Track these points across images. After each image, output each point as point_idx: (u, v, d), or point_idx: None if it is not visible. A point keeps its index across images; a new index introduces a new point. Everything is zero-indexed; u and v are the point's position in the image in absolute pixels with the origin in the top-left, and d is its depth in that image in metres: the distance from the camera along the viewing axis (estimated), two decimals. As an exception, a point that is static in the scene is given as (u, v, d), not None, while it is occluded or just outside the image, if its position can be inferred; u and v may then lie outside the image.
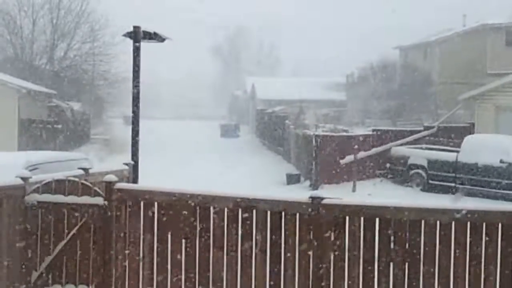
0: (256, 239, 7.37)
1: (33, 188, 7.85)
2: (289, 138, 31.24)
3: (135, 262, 7.66)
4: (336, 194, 9.32)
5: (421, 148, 25.16)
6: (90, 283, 7.70)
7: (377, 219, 7.09)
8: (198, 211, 7.54)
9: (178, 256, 7.55)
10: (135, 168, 11.67)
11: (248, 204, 7.39)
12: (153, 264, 7.63)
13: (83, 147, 35.00)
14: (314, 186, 23.14)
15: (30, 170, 9.05)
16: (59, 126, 33.12)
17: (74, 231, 7.74)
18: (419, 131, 27.76)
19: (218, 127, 48.98)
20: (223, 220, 7.46)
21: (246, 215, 7.40)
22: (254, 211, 7.38)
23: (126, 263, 7.67)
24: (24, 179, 7.86)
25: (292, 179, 25.13)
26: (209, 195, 7.60)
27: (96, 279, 7.68)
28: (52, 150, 25.81)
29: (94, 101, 46.93)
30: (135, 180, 11.36)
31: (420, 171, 23.70)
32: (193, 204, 7.55)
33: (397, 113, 41.16)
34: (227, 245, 7.45)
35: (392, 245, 7.04)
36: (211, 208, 7.51)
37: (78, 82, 44.54)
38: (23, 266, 7.76)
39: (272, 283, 7.31)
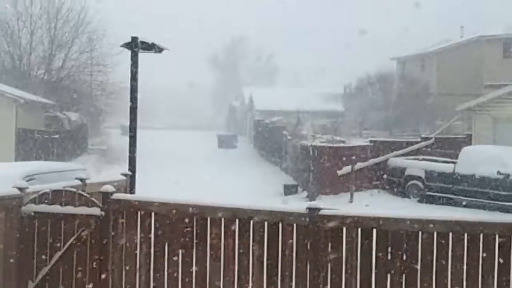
0: (253, 250, 7.36)
1: (30, 198, 7.84)
2: (286, 149, 31.26)
3: (131, 273, 7.63)
4: (334, 204, 9.32)
5: (418, 159, 25.17)
6: (87, 294, 7.68)
7: (374, 230, 7.09)
8: (195, 221, 7.53)
9: (175, 267, 7.53)
10: (132, 178, 11.67)
11: (245, 215, 7.38)
12: (149, 274, 7.61)
13: (80, 157, 34.98)
14: (312, 197, 23.13)
15: (27, 181, 9.04)
16: (56, 136, 33.10)
17: (70, 241, 7.71)
18: (417, 142, 27.80)
19: (216, 138, 48.97)
20: (220, 231, 7.45)
21: (243, 226, 7.40)
22: (251, 222, 7.37)
23: (123, 274, 7.65)
24: (21, 189, 7.84)
25: (289, 190, 25.13)
26: (206, 205, 7.59)
27: (93, 289, 7.66)
28: (50, 161, 25.80)
29: (92, 111, 46.98)
30: (132, 191, 11.35)
31: (417, 182, 23.70)
32: (190, 214, 7.54)
33: (395, 124, 41.21)
34: (224, 256, 7.43)
35: (389, 256, 7.04)
36: (208, 219, 7.50)
37: (76, 92, 44.53)
38: (20, 277, 7.73)
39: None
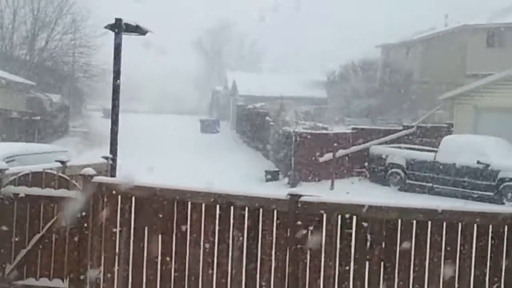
0: (233, 236, 7.36)
1: (10, 180, 7.79)
2: (269, 135, 31.26)
3: (111, 257, 7.61)
4: (315, 191, 9.31)
5: (400, 148, 25.29)
6: (65, 277, 7.65)
7: (354, 217, 7.11)
8: (175, 206, 7.52)
9: (154, 251, 7.52)
10: (113, 161, 11.63)
11: (226, 200, 7.38)
12: (129, 258, 7.60)
13: (61, 139, 34.78)
14: (293, 184, 23.19)
15: (7, 162, 8.97)
16: (38, 118, 32.88)
17: (50, 224, 7.68)
18: (398, 131, 27.91)
19: (199, 122, 48.86)
20: (200, 216, 7.44)
21: (223, 211, 7.39)
22: (232, 207, 7.37)
23: (102, 258, 7.63)
24: (0, 170, 7.78)
25: (271, 176, 25.16)
26: (186, 190, 7.57)
27: (71, 274, 7.63)
28: (30, 142, 25.60)
29: (74, 93, 46.70)
30: (113, 174, 11.32)
31: (398, 170, 23.82)
32: (170, 199, 7.52)
33: (377, 112, 41.31)
34: (203, 241, 7.43)
35: (368, 244, 7.07)
36: (189, 204, 7.49)
37: (58, 74, 44.23)
38: (-2, 259, 7.70)
39: (248, 280, 7.31)
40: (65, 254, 7.66)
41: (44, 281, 7.66)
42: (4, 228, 7.71)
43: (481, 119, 27.35)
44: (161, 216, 7.51)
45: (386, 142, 26.49)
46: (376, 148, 25.43)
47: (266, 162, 29.30)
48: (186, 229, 7.46)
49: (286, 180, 24.43)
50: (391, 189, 23.51)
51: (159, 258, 7.51)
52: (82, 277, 7.58)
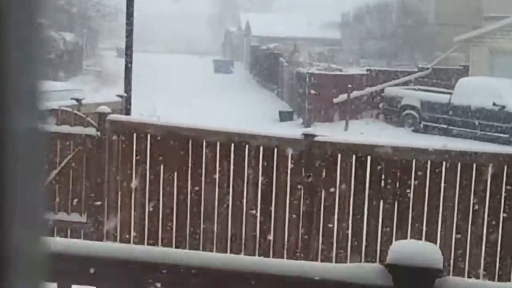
0: (247, 174, 7.41)
1: (26, 117, 7.82)
2: (283, 76, 31.12)
3: (127, 194, 7.70)
4: (329, 132, 9.34)
5: (415, 89, 25.15)
6: (83, 212, 7.76)
7: (369, 158, 7.13)
8: (190, 145, 7.55)
9: (170, 189, 7.60)
10: (127, 100, 11.65)
11: (241, 139, 7.40)
12: (145, 196, 7.68)
13: (75, 78, 34.79)
14: (307, 124, 23.18)
15: (23, 99, 8.97)
16: (52, 56, 32.84)
17: (66, 160, 7.75)
18: (413, 72, 27.69)
19: (212, 63, 48.64)
20: (215, 155, 7.48)
21: (238, 150, 7.43)
22: (247, 146, 7.40)
23: (118, 194, 7.72)
24: (17, 108, 7.82)
25: (285, 117, 25.15)
26: (201, 129, 7.60)
27: (88, 208, 7.74)
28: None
29: (87, 32, 46.44)
30: (127, 113, 11.35)
31: (412, 112, 23.74)
32: (185, 137, 7.55)
33: (392, 54, 40.95)
34: (218, 179, 7.48)
35: (382, 184, 7.10)
36: (204, 142, 7.52)
37: (71, 13, 43.92)
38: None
39: (262, 218, 7.38)
40: (82, 190, 7.75)
41: (62, 215, 7.77)
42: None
43: (497, 61, 27.07)
44: (176, 154, 7.55)
45: (400, 84, 26.33)
46: (391, 89, 25.31)
47: (280, 103, 29.26)
48: (201, 168, 7.50)
49: (300, 120, 24.43)
50: (406, 130, 23.47)
51: (175, 196, 7.59)
52: (99, 212, 7.69)
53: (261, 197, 7.39)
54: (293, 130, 17.68)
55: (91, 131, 7.73)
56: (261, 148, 7.37)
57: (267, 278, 2.15)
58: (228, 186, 7.45)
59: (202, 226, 7.52)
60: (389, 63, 38.68)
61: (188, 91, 31.05)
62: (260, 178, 7.36)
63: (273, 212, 7.35)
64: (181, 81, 35.78)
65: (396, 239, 6.94)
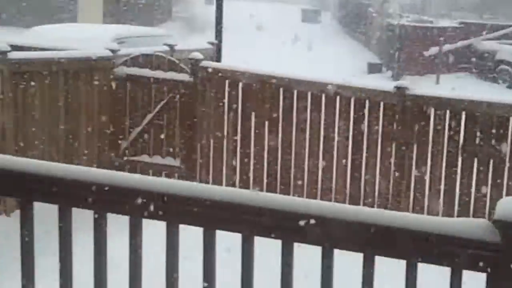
0: (339, 126, 7.38)
1: (122, 60, 7.99)
2: (372, 27, 30.57)
3: (219, 139, 7.81)
4: (419, 86, 9.13)
5: (511, 44, 24.25)
6: (176, 155, 7.93)
7: (463, 113, 6.97)
8: (281, 93, 7.56)
9: (260, 137, 7.65)
10: (218, 47, 11.71)
11: (332, 90, 7.35)
12: (236, 142, 7.78)
13: (164, 24, 35.13)
14: (396, 77, 22.77)
15: (118, 43, 9.18)
16: (143, 2, 33.21)
17: (161, 105, 7.89)
18: (508, 26, 26.67)
19: (300, 12, 48.16)
20: (306, 105, 7.47)
21: (329, 101, 7.39)
22: (338, 98, 7.35)
23: (211, 140, 7.84)
24: (113, 51, 7.99)
25: (373, 69, 24.77)
26: (293, 78, 7.59)
27: (181, 153, 7.90)
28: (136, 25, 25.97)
29: (177, -22, 46.57)
30: (218, 60, 11.42)
31: (507, 67, 22.96)
32: (277, 86, 7.56)
33: (485, 7, 39.51)
34: (309, 129, 7.48)
35: (477, 140, 6.94)
36: (295, 92, 7.51)
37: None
38: (114, 135, 8.02)
39: (352, 171, 7.36)
40: (176, 134, 7.90)
41: (156, 158, 7.96)
42: (118, 107, 7.99)
43: None
44: (267, 103, 7.59)
45: (495, 38, 25.43)
46: (485, 43, 24.49)
47: (368, 54, 28.81)
48: (292, 117, 7.52)
49: (389, 73, 24.02)
50: (500, 86, 22.74)
51: (265, 144, 7.64)
52: (193, 156, 7.84)
53: (352, 148, 7.35)
54: (382, 82, 17.42)
55: (184, 76, 7.83)
56: (352, 100, 7.30)
57: (373, 228, 2.16)
58: (319, 137, 7.44)
59: (292, 175, 7.57)
60: (481, 17, 37.40)
61: (275, 40, 30.93)
62: (351, 130, 7.32)
63: (363, 164, 7.31)
64: (269, 29, 35.65)
65: (491, 196, 6.81)
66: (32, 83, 6.83)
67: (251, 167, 7.71)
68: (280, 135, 7.57)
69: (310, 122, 7.45)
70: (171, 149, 7.90)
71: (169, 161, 7.91)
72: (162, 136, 7.91)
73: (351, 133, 7.31)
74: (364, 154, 7.29)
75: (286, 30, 36.89)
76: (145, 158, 8.00)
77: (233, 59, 11.89)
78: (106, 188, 2.42)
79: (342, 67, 24.03)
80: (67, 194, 2.49)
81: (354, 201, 7.26)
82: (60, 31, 11.99)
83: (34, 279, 2.62)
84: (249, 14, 41.66)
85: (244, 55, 19.60)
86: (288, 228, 2.25)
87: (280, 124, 7.56)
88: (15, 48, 7.09)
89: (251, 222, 2.30)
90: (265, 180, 7.67)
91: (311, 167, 7.49)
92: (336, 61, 25.61)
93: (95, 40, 9.77)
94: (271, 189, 7.51)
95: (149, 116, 7.93)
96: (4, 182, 2.55)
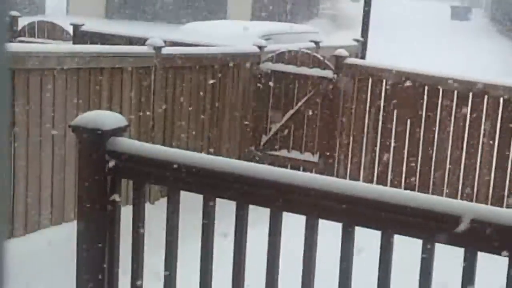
0: (484, 127, 7.16)
1: (268, 57, 8.15)
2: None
3: (359, 137, 7.80)
4: None
5: None
6: (315, 152, 7.99)
7: None
8: (426, 92, 7.44)
9: (402, 134, 7.57)
10: (363, 45, 11.67)
11: (479, 89, 7.14)
12: (376, 140, 7.73)
13: (311, 21, 35.31)
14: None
15: (265, 40, 9.36)
16: (290, -1, 33.53)
17: (303, 101, 7.99)
18: None
19: (448, 9, 46.86)
20: (451, 103, 7.30)
21: (476, 100, 7.18)
22: (486, 97, 7.13)
23: (351, 137, 7.84)
24: (260, 47, 8.17)
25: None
26: (439, 76, 7.44)
27: (320, 149, 7.95)
28: (283, 22, 26.31)
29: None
30: (363, 57, 11.38)
31: None
32: (421, 84, 7.44)
33: None
34: (453, 129, 7.32)
35: None
36: (440, 90, 7.36)
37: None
38: (255, 129, 8.21)
39: (497, 172, 7.11)
40: (316, 130, 7.97)
41: (295, 154, 8.07)
42: (261, 102, 8.16)
43: None
44: (411, 101, 7.48)
45: None
46: None
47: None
48: (436, 115, 7.37)
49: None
50: None
51: (406, 141, 7.55)
52: (332, 154, 7.88)
53: (497, 149, 7.11)
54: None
55: (328, 73, 7.87)
56: (501, 99, 7.06)
57: None
58: (463, 136, 7.25)
59: (432, 173, 7.43)
60: None
61: (422, 37, 30.31)
62: (498, 131, 7.08)
63: (509, 165, 7.05)
64: (416, 26, 34.97)
65: None
66: (181, 77, 7.11)
67: (390, 166, 7.63)
68: (422, 133, 7.45)
69: (454, 121, 7.27)
70: (310, 145, 7.97)
71: (307, 156, 7.99)
72: (302, 132, 8.00)
73: (497, 134, 7.06)
74: (511, 156, 7.02)
75: (433, 27, 36.07)
76: (284, 153, 8.12)
77: (379, 56, 11.79)
78: (248, 180, 2.50)
79: (491, 66, 23.18)
80: (213, 185, 2.60)
81: (498, 205, 7.01)
82: (211, 28, 12.38)
83: (177, 262, 2.77)
84: (396, 12, 41.08)
85: (389, 52, 19.36)
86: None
87: (422, 123, 7.43)
88: (170, 44, 7.40)
89: (393, 220, 2.30)
90: (403, 178, 7.57)
91: (452, 167, 7.31)
92: (485, 60, 24.73)
93: (244, 37, 10.02)
94: (409, 187, 7.41)
95: (291, 112, 8.04)
96: (154, 171, 2.70)
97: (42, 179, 5.60)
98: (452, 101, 7.29)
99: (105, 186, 2.71)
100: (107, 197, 2.72)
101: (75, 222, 2.94)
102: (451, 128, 7.31)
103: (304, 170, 7.87)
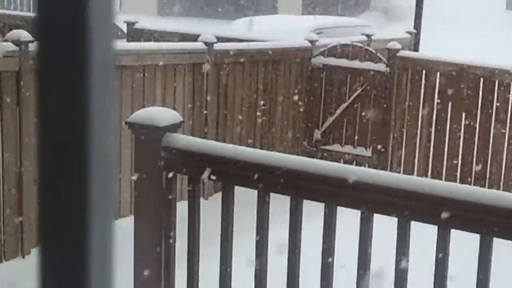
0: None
1: (319, 51, 8.12)
2: None
3: (413, 130, 7.72)
4: None
5: None
6: (368, 146, 7.94)
7: None
8: (481, 84, 7.31)
9: (457, 127, 7.46)
10: (416, 37, 11.51)
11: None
12: (430, 133, 7.64)
13: (363, 14, 35.03)
14: None
15: (316, 34, 9.33)
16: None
17: (355, 95, 7.94)
18: None
19: (504, -2, 45.87)
20: (508, 96, 7.16)
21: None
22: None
23: (404, 131, 7.77)
24: (311, 42, 8.15)
25: None
26: (495, 68, 7.31)
27: (373, 143, 7.90)
28: (335, 15, 26.17)
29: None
30: (416, 49, 11.23)
31: None
32: (477, 77, 7.32)
33: None
34: (509, 122, 7.18)
35: None
36: (496, 83, 7.23)
37: None
38: (307, 124, 8.20)
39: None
40: (369, 124, 7.91)
41: (348, 148, 8.03)
42: (313, 96, 8.14)
43: None
44: (465, 93, 7.38)
45: None
46: None
47: None
48: (492, 109, 7.25)
49: None
50: None
51: (462, 135, 7.44)
52: (385, 148, 7.81)
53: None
54: None
55: (381, 67, 7.81)
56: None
57: None
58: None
59: (488, 167, 7.31)
60: None
61: (476, 28, 29.78)
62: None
63: None
64: (469, 17, 34.36)
65: None
66: (233, 73, 7.14)
67: (445, 159, 7.53)
68: (477, 127, 7.33)
69: (510, 115, 7.14)
70: (363, 139, 7.92)
71: (360, 151, 7.94)
72: (355, 126, 7.96)
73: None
74: None
75: (488, 18, 35.39)
76: (337, 147, 8.08)
77: (432, 48, 11.63)
78: (301, 175, 2.51)
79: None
80: (268, 180, 2.61)
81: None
82: (262, 23, 12.40)
83: (232, 253, 2.79)
84: (449, 3, 40.41)
85: (443, 44, 19.08)
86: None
87: (478, 116, 7.31)
88: (221, 40, 7.44)
89: (451, 215, 2.28)
90: (458, 172, 7.46)
91: (509, 161, 7.18)
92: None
93: (296, 31, 10.00)
94: (464, 181, 7.30)
95: (343, 106, 8.00)
96: (209, 166, 2.73)
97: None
98: (509, 93, 7.15)
99: (160, 181, 2.75)
100: (163, 192, 2.76)
101: (131, 217, 2.99)
102: (508, 121, 7.17)
103: (357, 164, 7.82)
